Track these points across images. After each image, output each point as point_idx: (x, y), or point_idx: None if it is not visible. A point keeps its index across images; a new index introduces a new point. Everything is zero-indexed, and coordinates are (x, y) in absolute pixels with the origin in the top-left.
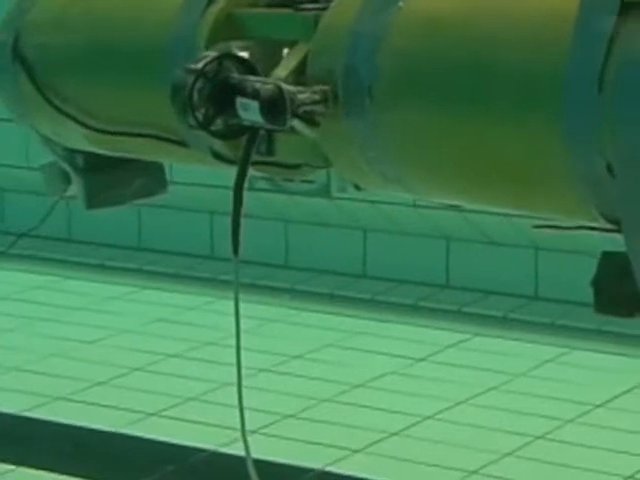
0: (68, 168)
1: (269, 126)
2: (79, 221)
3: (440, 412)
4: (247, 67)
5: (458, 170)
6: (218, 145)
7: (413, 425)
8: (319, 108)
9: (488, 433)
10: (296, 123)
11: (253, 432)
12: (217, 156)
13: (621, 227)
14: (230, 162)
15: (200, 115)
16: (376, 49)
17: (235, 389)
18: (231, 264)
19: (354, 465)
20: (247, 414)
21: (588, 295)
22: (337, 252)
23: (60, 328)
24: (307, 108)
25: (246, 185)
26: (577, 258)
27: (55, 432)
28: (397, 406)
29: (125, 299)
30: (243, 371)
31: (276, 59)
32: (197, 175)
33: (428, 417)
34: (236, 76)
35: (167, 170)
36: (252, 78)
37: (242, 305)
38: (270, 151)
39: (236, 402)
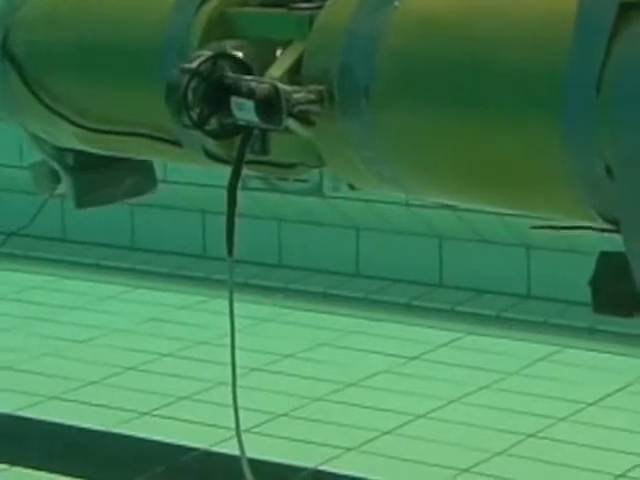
0: (58, 167)
1: (264, 126)
2: (73, 221)
3: (433, 411)
4: (241, 66)
5: (455, 170)
6: (211, 144)
7: (406, 424)
8: (315, 108)
9: (480, 431)
10: (291, 123)
11: (246, 431)
12: (210, 155)
13: (620, 228)
14: (223, 162)
15: (195, 115)
16: (372, 49)
17: (227, 388)
18: (224, 263)
19: (347, 464)
20: (240, 413)
21: (580, 294)
22: (330, 251)
23: (53, 327)
24: (303, 108)
25: (239, 184)
26: (570, 257)
27: (48, 431)
28: (390, 405)
29: (118, 298)
30: (236, 370)
31: (269, 59)
32: (189, 174)
33: (421, 416)
34: (231, 75)
35: (160, 169)
36: (247, 77)
37: (235, 304)
38: (264, 150)
39: (229, 401)
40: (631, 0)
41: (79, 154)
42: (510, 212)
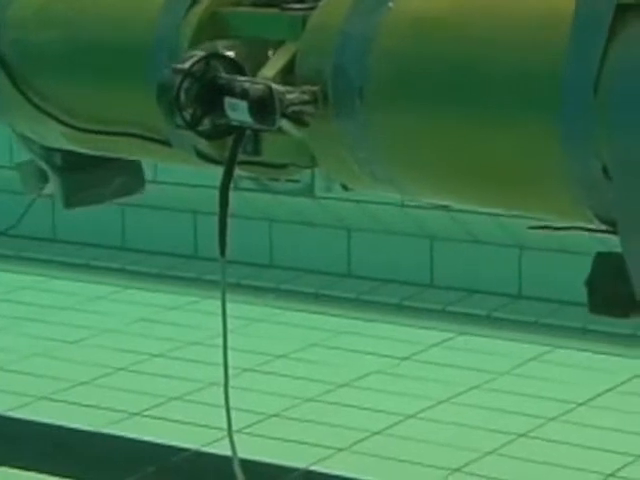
0: (46, 167)
1: (258, 126)
2: (63, 221)
3: (424, 410)
4: (234, 67)
5: (450, 171)
6: (203, 145)
7: (397, 424)
8: (308, 108)
9: (471, 431)
10: (285, 123)
11: (237, 432)
12: (202, 156)
13: (617, 229)
14: (215, 162)
15: (187, 115)
16: (366, 49)
17: (219, 389)
18: (215, 264)
19: (339, 464)
20: (231, 413)
21: (572, 294)
22: (322, 251)
23: (43, 328)
24: (296, 108)
25: (231, 185)
26: (561, 257)
27: (38, 432)
28: (381, 405)
29: (108, 299)
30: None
31: (262, 59)
32: (180, 175)
33: (412, 416)
34: (224, 76)
35: (151, 170)
36: (240, 78)
37: (227, 305)
38: (256, 151)
39: (220, 402)
40: (628, 1)
41: (67, 154)
42: (506, 213)
